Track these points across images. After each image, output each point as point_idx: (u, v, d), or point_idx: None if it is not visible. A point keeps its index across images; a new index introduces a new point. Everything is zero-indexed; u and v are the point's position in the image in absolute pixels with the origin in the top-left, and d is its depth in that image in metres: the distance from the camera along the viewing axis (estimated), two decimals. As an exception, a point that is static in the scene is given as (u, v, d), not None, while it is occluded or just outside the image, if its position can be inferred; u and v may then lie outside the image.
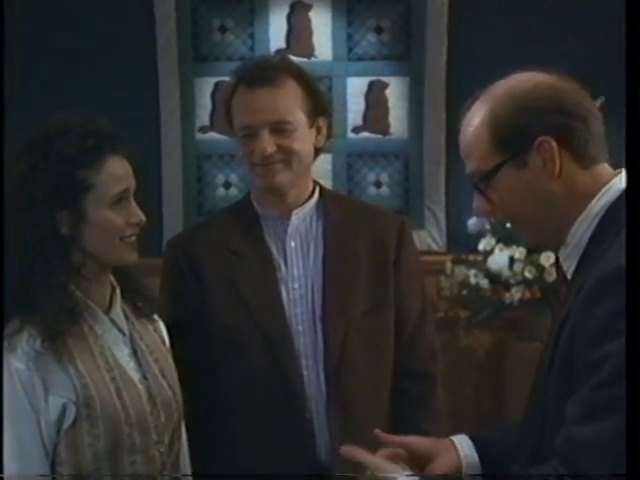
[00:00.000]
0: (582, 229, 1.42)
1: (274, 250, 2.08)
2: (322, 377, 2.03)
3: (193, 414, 2.01)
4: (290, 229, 2.08)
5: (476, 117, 1.45)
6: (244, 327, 2.02)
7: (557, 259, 1.51)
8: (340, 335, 2.03)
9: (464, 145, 1.48)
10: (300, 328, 2.04)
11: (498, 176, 1.43)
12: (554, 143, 1.39)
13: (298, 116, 2.00)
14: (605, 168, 1.44)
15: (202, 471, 2.00)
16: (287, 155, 1.99)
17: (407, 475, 1.51)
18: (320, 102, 2.06)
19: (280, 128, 1.98)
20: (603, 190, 1.41)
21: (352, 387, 2.04)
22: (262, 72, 1.99)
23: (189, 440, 1.95)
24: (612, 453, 1.24)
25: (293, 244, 2.08)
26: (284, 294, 2.05)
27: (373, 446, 2.07)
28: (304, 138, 2.01)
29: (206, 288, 2.05)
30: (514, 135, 1.41)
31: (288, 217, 2.08)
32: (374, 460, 1.57)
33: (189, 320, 2.05)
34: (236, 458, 2.05)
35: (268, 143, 1.97)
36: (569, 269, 1.45)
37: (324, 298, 2.05)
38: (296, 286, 2.06)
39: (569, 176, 1.41)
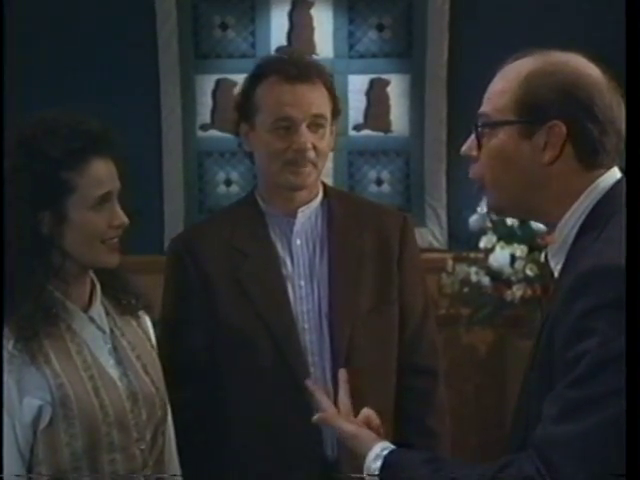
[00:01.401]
0: (568, 227, 1.42)
1: (279, 248, 2.08)
2: (328, 374, 2.03)
3: (197, 414, 2.02)
4: (296, 227, 2.08)
5: (519, 69, 1.44)
6: (250, 325, 2.02)
7: (546, 256, 1.51)
8: (346, 332, 2.03)
9: (491, 88, 1.47)
10: (306, 325, 2.04)
11: (501, 131, 1.43)
12: (561, 134, 1.39)
13: (328, 116, 2.04)
14: (611, 171, 1.44)
15: (204, 470, 2.00)
16: (317, 155, 2.02)
17: (382, 445, 1.49)
18: (337, 105, 2.08)
19: (317, 123, 2.00)
20: (590, 188, 1.41)
21: (358, 383, 2.04)
22: (300, 68, 2.01)
23: (191, 438, 1.95)
24: (589, 452, 1.24)
25: (299, 242, 2.08)
26: (290, 292, 2.05)
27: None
28: (328, 138, 2.05)
29: (211, 286, 2.04)
30: (538, 106, 1.40)
31: (294, 215, 2.08)
32: (350, 428, 1.56)
33: (195, 319, 2.05)
34: (241, 456, 2.05)
35: (308, 139, 1.98)
36: (556, 267, 1.45)
37: (330, 295, 2.05)
38: (302, 283, 2.06)
39: (564, 171, 1.41)
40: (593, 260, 1.30)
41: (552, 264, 1.47)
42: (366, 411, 1.61)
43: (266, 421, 2.03)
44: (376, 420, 1.60)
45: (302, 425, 2.00)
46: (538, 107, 1.40)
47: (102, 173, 1.70)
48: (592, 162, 1.41)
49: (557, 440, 1.27)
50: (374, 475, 1.46)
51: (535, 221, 1.50)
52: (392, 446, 1.49)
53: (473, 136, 1.47)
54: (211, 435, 2.05)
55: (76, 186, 1.67)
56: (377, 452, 1.48)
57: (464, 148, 1.49)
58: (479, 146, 1.46)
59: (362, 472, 2.01)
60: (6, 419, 1.62)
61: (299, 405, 2.00)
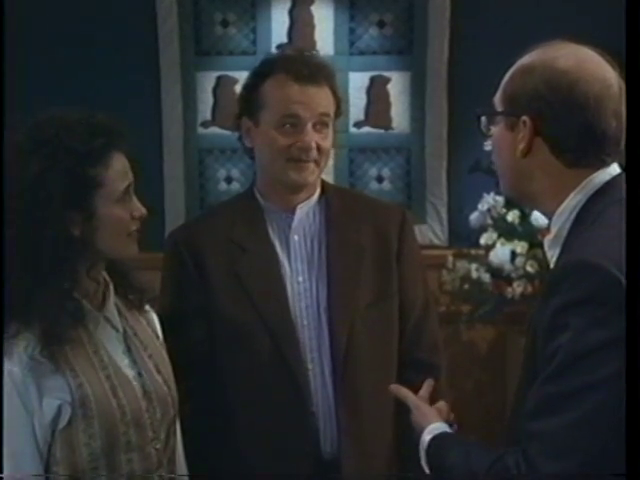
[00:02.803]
0: (561, 220, 1.45)
1: (277, 244, 2.08)
2: (327, 370, 2.04)
3: (195, 409, 2.02)
4: (294, 223, 2.08)
5: (518, 62, 1.49)
6: (249, 321, 2.02)
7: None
8: (345, 327, 2.04)
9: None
10: (305, 322, 2.04)
11: (496, 121, 1.50)
12: (530, 129, 1.43)
13: (332, 115, 2.06)
14: (606, 168, 1.45)
15: (204, 467, 2.00)
16: (320, 155, 2.03)
17: (439, 425, 1.59)
18: (340, 106, 2.09)
19: (323, 122, 2.02)
20: (583, 184, 1.43)
21: (358, 379, 2.04)
22: (311, 69, 2.02)
23: (191, 436, 1.95)
24: (563, 446, 1.28)
25: (296, 238, 2.08)
26: (288, 288, 2.05)
27: (379, 438, 2.09)
28: (330, 138, 2.06)
29: (209, 281, 2.05)
30: (514, 100, 1.46)
31: (293, 211, 2.08)
32: (415, 400, 1.67)
33: (192, 313, 2.05)
34: (239, 453, 2.06)
35: (312, 138, 1.99)
36: (552, 259, 1.48)
37: (329, 291, 2.05)
38: (300, 280, 2.06)
39: (545, 167, 1.44)
40: (569, 257, 1.34)
41: (548, 256, 1.50)
42: (441, 404, 1.71)
43: (265, 417, 2.03)
44: (447, 412, 1.69)
45: (301, 421, 2.01)
46: (515, 101, 1.45)
47: (122, 166, 1.72)
48: (573, 160, 1.43)
49: (533, 434, 1.31)
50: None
51: (538, 211, 1.56)
52: (447, 428, 1.59)
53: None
54: (210, 429, 2.05)
55: (103, 180, 1.68)
56: (432, 428, 1.58)
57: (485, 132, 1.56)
58: (489, 131, 1.54)
59: (362, 469, 2.03)
60: (25, 419, 1.62)
61: (298, 401, 2.01)
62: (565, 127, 1.41)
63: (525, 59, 1.47)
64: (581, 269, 1.29)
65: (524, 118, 1.43)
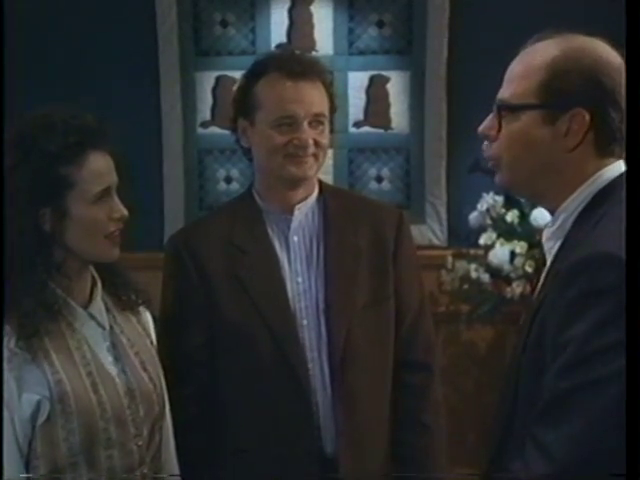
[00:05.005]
0: (567, 212, 1.44)
1: (277, 245, 2.09)
2: (326, 370, 2.04)
3: (196, 409, 2.02)
4: (293, 224, 2.09)
5: (543, 52, 1.43)
6: (249, 322, 2.02)
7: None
8: (343, 328, 2.04)
9: (513, 70, 1.47)
10: (305, 322, 2.05)
11: (524, 114, 1.43)
12: (588, 120, 1.39)
13: (327, 114, 2.06)
14: (618, 162, 1.45)
15: (204, 468, 2.01)
16: (318, 149, 2.03)
17: None
18: (334, 103, 2.10)
19: (318, 120, 2.03)
20: (594, 177, 1.42)
21: (355, 380, 2.04)
22: (302, 66, 2.02)
23: (190, 435, 1.96)
24: (584, 440, 1.26)
25: (296, 238, 2.09)
26: (288, 288, 2.06)
27: (375, 438, 2.09)
28: (327, 134, 2.06)
29: (210, 283, 2.05)
30: (563, 92, 1.40)
31: (291, 212, 2.09)
32: None
33: (194, 316, 2.06)
34: (240, 453, 2.06)
35: (309, 134, 2.00)
36: (550, 251, 1.47)
37: (326, 292, 2.05)
38: (300, 280, 2.07)
39: (581, 157, 1.41)
40: (588, 249, 1.32)
41: (546, 247, 1.49)
42: None
43: (265, 417, 2.03)
44: None
45: (301, 421, 2.02)
46: (563, 93, 1.40)
47: (101, 167, 1.71)
48: (609, 150, 1.42)
49: (553, 429, 1.29)
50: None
51: (542, 204, 1.53)
52: None
53: (492, 116, 1.47)
54: (210, 431, 2.05)
55: (75, 181, 1.68)
56: None
57: (482, 128, 1.49)
58: (499, 127, 1.46)
59: (361, 469, 2.03)
60: (5, 414, 1.62)
61: (298, 401, 2.01)
62: (616, 117, 1.40)
63: (552, 49, 1.42)
64: (601, 261, 1.28)
65: (577, 110, 1.39)
